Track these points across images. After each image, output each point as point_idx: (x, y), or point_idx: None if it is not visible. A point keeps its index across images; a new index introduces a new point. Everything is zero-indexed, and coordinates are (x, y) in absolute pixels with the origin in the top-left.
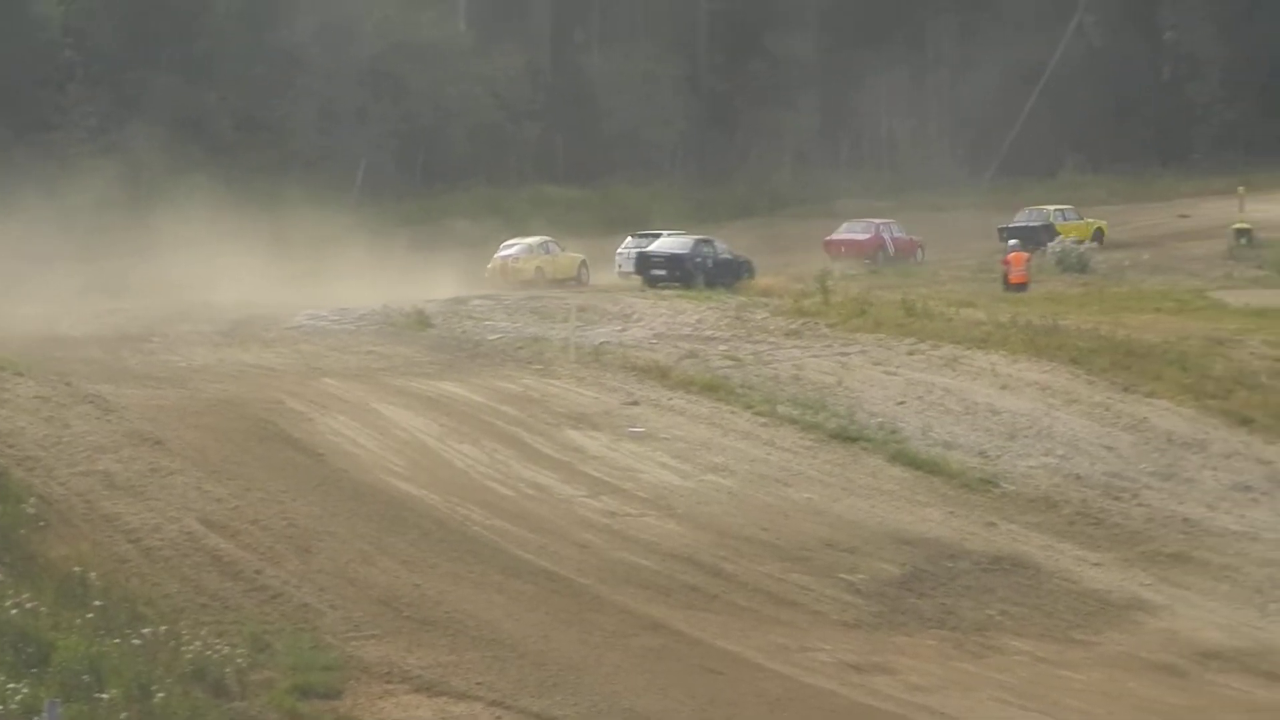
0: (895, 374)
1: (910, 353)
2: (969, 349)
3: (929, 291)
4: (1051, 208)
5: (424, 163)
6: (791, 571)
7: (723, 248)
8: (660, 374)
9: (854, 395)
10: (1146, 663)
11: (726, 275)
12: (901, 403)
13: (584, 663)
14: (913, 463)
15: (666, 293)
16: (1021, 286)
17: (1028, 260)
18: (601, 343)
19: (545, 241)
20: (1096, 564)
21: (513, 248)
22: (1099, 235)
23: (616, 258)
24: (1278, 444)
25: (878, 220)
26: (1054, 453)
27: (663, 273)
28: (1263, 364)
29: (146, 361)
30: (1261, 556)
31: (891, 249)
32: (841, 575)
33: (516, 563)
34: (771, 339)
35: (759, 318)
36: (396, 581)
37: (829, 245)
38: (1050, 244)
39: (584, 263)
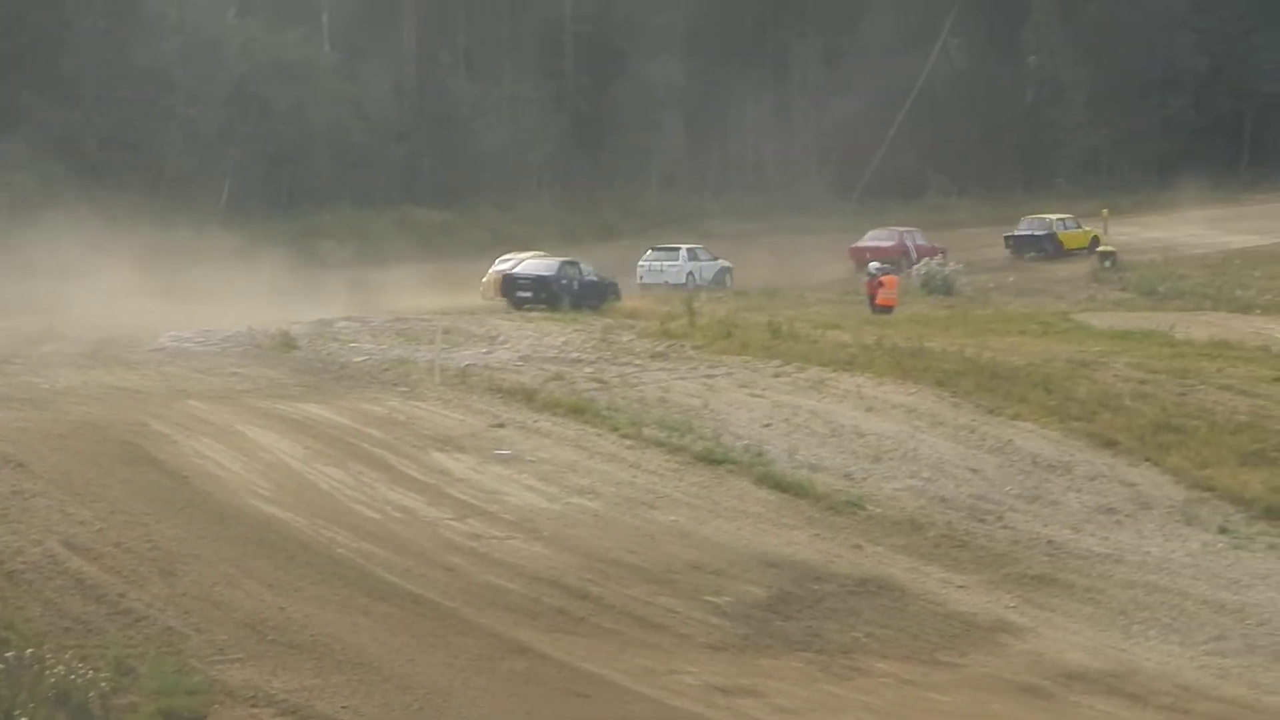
0: (761, 396)
1: (776, 375)
2: (835, 371)
3: (795, 313)
4: (1054, 217)
5: (290, 184)
6: (658, 594)
7: (589, 270)
8: (526, 396)
9: (720, 417)
10: (1011, 684)
11: (592, 297)
12: (768, 425)
13: (450, 686)
14: (779, 485)
15: (533, 315)
16: (888, 309)
17: (898, 283)
18: (467, 365)
19: (539, 256)
20: (962, 586)
21: (508, 263)
22: (1095, 244)
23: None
24: (1141, 466)
25: (901, 228)
26: (919, 475)
27: (529, 294)
28: (1127, 386)
29: (8, 383)
30: (1125, 578)
31: (915, 255)
32: (708, 598)
33: (382, 585)
34: (638, 361)
35: (625, 340)
36: (261, 605)
37: (854, 252)
38: (915, 266)
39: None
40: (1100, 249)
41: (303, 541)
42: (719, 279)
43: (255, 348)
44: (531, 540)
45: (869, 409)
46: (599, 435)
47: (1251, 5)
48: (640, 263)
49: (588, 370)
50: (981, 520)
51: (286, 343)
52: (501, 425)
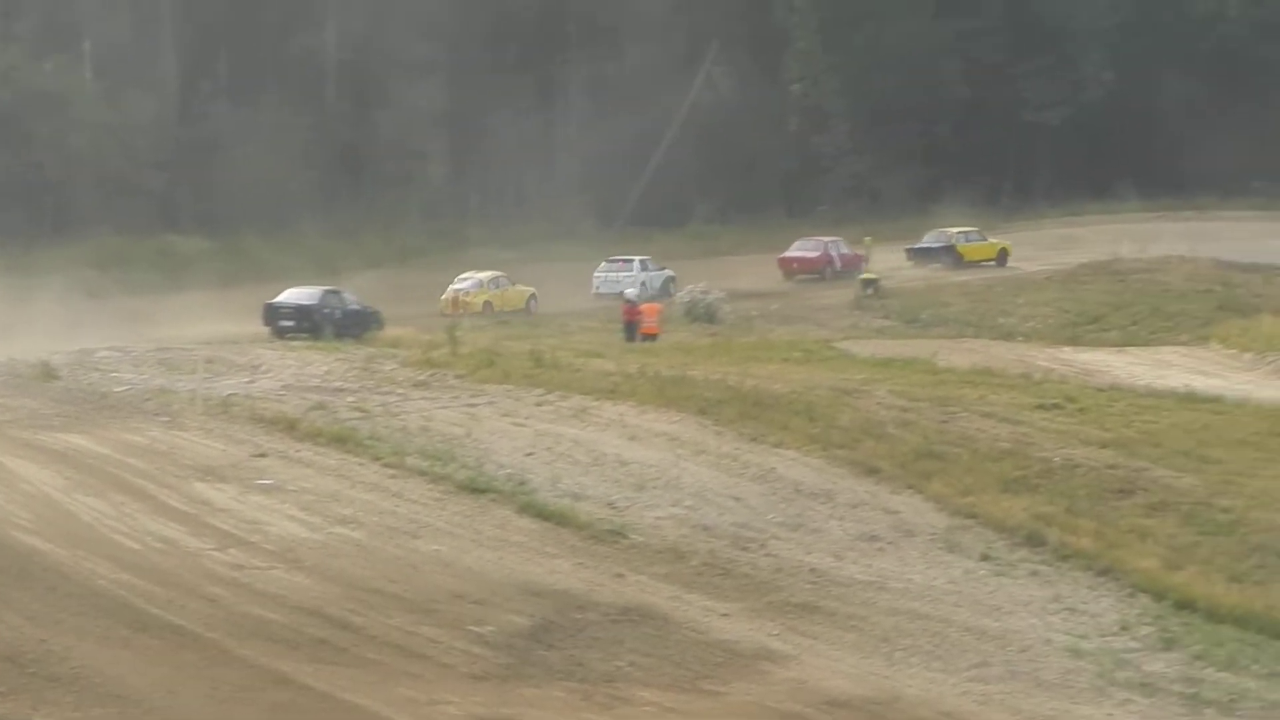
0: (524, 425)
1: (539, 403)
2: (597, 400)
3: (558, 342)
4: (955, 230)
5: (53, 212)
6: (420, 624)
7: (351, 299)
8: (289, 426)
9: (483, 446)
10: (774, 712)
11: (355, 326)
12: (530, 454)
13: (212, 718)
14: (541, 514)
15: (295, 344)
16: (653, 337)
17: (660, 311)
18: (230, 394)
19: (496, 277)
20: (725, 614)
21: (465, 281)
22: (1004, 256)
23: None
24: (904, 494)
25: (826, 238)
26: (682, 503)
27: (291, 324)
28: (889, 414)
29: None
30: (888, 605)
31: (839, 265)
32: (470, 627)
33: (144, 617)
34: (400, 390)
35: (388, 369)
36: (21, 637)
37: (782, 262)
38: (679, 294)
39: (533, 295)
40: (863, 276)
41: (63, 573)
42: (665, 288)
43: (15, 378)
44: (294, 570)
45: (632, 437)
46: (361, 464)
47: (1014, 35)
48: (595, 274)
49: (350, 399)
50: (744, 548)
51: (47, 373)
52: (264, 455)
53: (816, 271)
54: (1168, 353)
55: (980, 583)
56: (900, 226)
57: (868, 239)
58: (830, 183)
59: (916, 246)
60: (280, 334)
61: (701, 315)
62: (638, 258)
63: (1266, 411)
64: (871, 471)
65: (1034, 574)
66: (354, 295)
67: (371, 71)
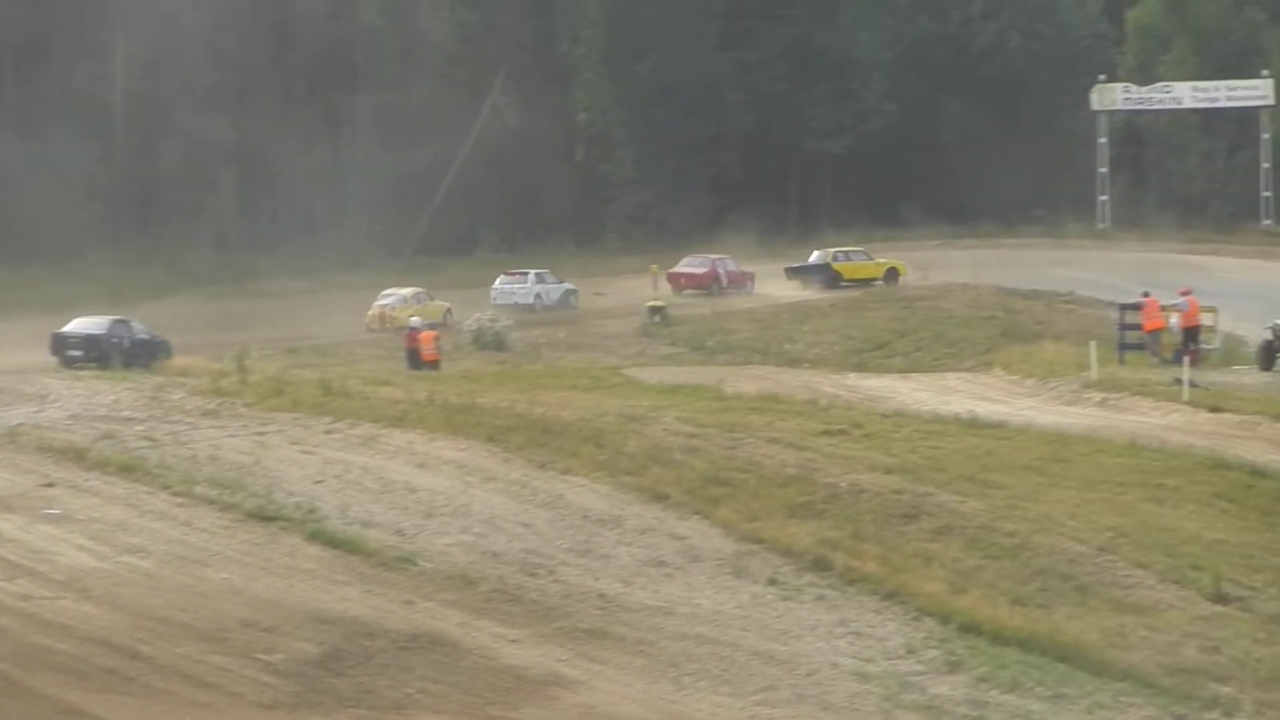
0: (313, 453)
1: (328, 431)
2: (386, 427)
3: (346, 370)
4: (834, 250)
5: None
6: (210, 652)
7: (140, 328)
8: (77, 455)
9: (272, 474)
10: None
11: (144, 355)
12: (320, 481)
13: None
14: (331, 541)
15: (83, 373)
16: (435, 364)
17: (437, 338)
18: (17, 424)
19: (418, 293)
20: (514, 640)
21: (390, 298)
22: (893, 275)
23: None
24: (691, 520)
25: (714, 256)
26: (471, 530)
27: (79, 353)
28: (676, 440)
29: None
30: (676, 630)
31: (725, 281)
32: (259, 655)
33: None
34: (189, 419)
35: (176, 397)
36: None
37: (670, 278)
38: (466, 323)
39: (449, 310)
40: (650, 304)
41: None
42: (564, 300)
43: None
44: (82, 600)
45: (420, 465)
46: (150, 493)
47: (795, 66)
48: (494, 286)
49: (139, 428)
50: (533, 574)
51: None
52: (51, 484)
53: (704, 288)
54: (952, 379)
55: (767, 607)
56: (687, 255)
57: (654, 267)
58: (616, 211)
59: (795, 265)
60: (68, 363)
61: (489, 343)
62: (533, 271)
63: (1048, 437)
64: (659, 498)
65: (820, 598)
66: (142, 325)
67: (159, 101)
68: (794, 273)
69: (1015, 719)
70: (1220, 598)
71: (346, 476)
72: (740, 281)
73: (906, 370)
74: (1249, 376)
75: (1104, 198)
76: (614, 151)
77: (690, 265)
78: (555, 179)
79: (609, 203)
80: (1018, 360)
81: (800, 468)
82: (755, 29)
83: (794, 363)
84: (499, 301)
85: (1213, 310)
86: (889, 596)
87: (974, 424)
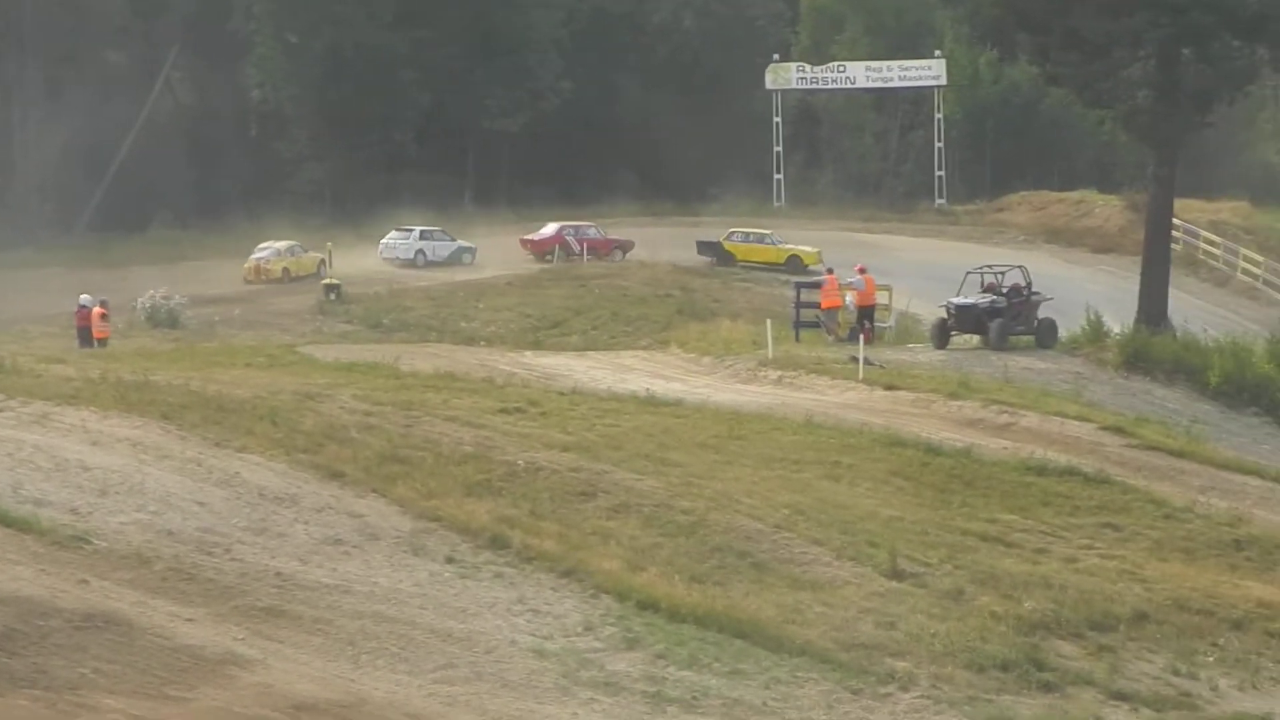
0: None
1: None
2: (59, 405)
3: (19, 348)
4: (742, 229)
5: None
6: None
7: None
8: None
9: None
10: (240, 717)
11: None
12: None
13: None
14: (3, 520)
15: None
16: (103, 342)
17: (104, 315)
18: None
19: (293, 245)
20: (190, 619)
21: (265, 251)
22: (795, 262)
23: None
24: (368, 498)
25: (571, 224)
26: (146, 508)
27: None
28: (352, 418)
29: None
30: (353, 609)
31: (577, 248)
32: None
33: None
34: None
35: None
36: None
37: (524, 244)
38: (140, 300)
39: (322, 260)
40: (325, 281)
41: None
42: (456, 257)
43: None
44: None
45: (94, 443)
46: None
47: (471, 44)
48: (382, 241)
49: None
50: (209, 553)
51: None
52: None
53: (542, 253)
54: (628, 357)
55: (445, 585)
56: (363, 232)
57: (329, 244)
58: (292, 188)
59: (704, 240)
60: None
61: (164, 321)
62: (419, 227)
63: (725, 415)
64: (336, 475)
65: (498, 576)
66: None
67: None
68: (701, 246)
69: (693, 694)
70: (896, 574)
71: (19, 455)
72: (605, 248)
73: (583, 348)
74: (924, 355)
75: (779, 176)
76: (288, 128)
77: (542, 232)
78: (229, 155)
79: (285, 179)
80: (694, 338)
81: (477, 445)
82: (430, 6)
83: (470, 340)
84: (385, 255)
85: (888, 289)
86: (567, 574)
87: (651, 402)
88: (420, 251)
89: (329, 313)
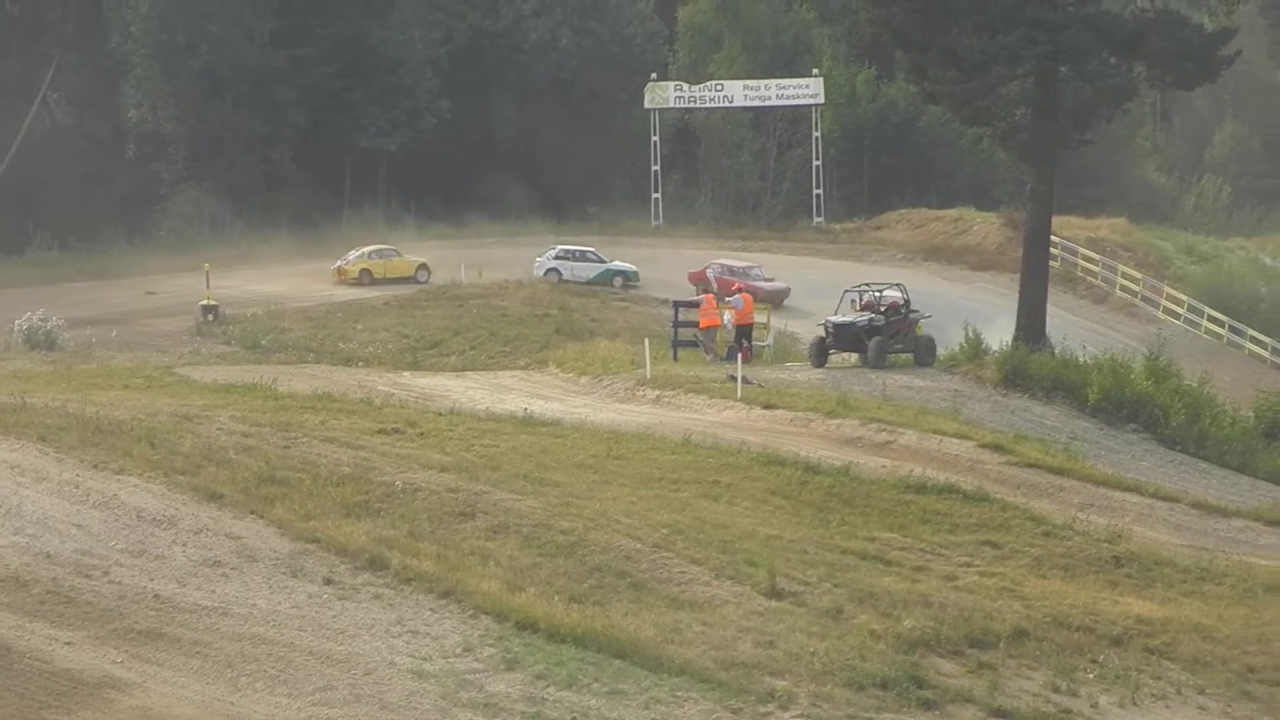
0: None
1: None
2: None
3: None
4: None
5: None
6: None
7: None
8: None
9: None
10: None
11: None
12: None
13: None
14: None
15: None
16: None
17: None
18: None
19: (383, 249)
20: (68, 643)
21: (349, 256)
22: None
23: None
24: (246, 519)
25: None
26: (24, 531)
27: None
28: (230, 439)
29: None
30: (232, 631)
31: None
32: None
33: None
34: None
35: None
36: None
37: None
38: (17, 322)
39: (423, 265)
40: (203, 303)
41: None
42: (605, 278)
43: None
44: None
45: None
46: None
47: (348, 64)
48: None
49: None
50: (87, 576)
51: None
52: None
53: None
54: (507, 377)
55: (324, 607)
56: (240, 252)
57: (207, 265)
58: (170, 209)
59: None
60: None
61: (41, 343)
62: (575, 246)
63: (603, 434)
64: (214, 497)
65: (377, 597)
66: None
67: None
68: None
69: (573, 715)
70: (775, 593)
71: None
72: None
73: (461, 368)
74: (802, 373)
75: (657, 195)
76: (166, 148)
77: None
78: (106, 176)
79: (162, 200)
80: (572, 358)
81: (355, 466)
82: (307, 26)
83: (348, 361)
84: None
85: (766, 308)
86: (445, 595)
87: (529, 422)
88: (553, 270)
89: (207, 334)
